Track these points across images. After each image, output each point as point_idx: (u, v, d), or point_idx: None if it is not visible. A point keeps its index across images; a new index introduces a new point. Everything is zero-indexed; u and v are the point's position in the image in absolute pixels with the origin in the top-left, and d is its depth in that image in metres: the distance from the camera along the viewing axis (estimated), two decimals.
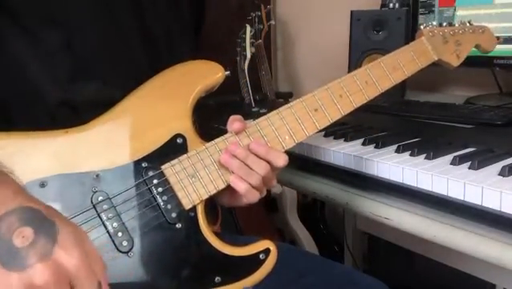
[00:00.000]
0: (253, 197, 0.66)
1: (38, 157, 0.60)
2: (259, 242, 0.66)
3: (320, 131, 0.92)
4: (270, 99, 1.51)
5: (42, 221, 0.49)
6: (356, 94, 0.72)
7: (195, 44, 0.83)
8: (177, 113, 0.67)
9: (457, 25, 0.88)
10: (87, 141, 0.63)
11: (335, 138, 0.89)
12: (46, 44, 0.65)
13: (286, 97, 1.55)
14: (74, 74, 0.67)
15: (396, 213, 0.74)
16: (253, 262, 0.64)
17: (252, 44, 1.52)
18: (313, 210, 1.76)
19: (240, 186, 0.64)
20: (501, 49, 1.11)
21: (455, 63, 0.85)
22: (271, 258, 0.65)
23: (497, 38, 1.07)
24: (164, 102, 0.67)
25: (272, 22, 1.61)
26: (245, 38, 1.52)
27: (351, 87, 0.72)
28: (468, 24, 0.89)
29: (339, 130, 0.92)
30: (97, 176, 0.61)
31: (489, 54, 1.13)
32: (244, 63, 1.51)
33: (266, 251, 0.65)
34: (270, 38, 1.77)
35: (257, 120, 0.68)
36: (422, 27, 0.84)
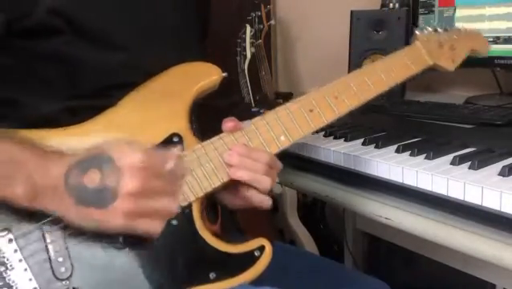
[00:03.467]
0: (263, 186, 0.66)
1: None
2: (255, 239, 0.67)
3: (320, 131, 0.93)
4: (270, 99, 1.51)
5: (95, 158, 0.55)
6: (351, 97, 0.73)
7: (204, 46, 0.84)
8: (174, 113, 0.68)
9: (452, 28, 0.88)
10: (83, 140, 0.63)
11: (335, 138, 0.89)
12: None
13: (286, 97, 1.54)
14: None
15: (396, 213, 0.74)
16: (248, 259, 0.65)
17: (252, 44, 1.52)
18: (313, 210, 1.76)
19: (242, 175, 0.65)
20: (501, 49, 1.11)
21: (450, 67, 0.85)
22: (266, 255, 0.65)
23: (498, 38, 1.07)
24: (161, 102, 0.68)
25: (272, 22, 1.61)
26: (245, 38, 1.52)
27: (345, 90, 0.73)
28: (462, 29, 0.89)
29: (339, 130, 0.92)
30: None
31: (490, 54, 1.13)
32: (244, 63, 1.52)
33: (261, 248, 0.65)
34: (270, 38, 1.77)
35: (253, 120, 0.69)
36: (417, 32, 0.84)
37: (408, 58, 0.79)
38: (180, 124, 0.67)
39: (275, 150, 0.68)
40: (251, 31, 1.52)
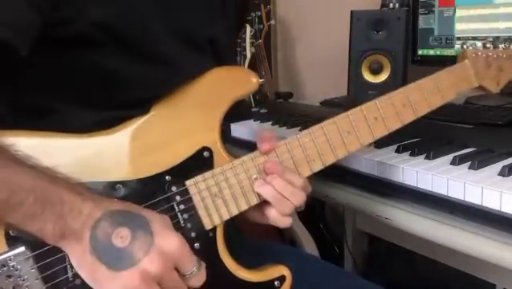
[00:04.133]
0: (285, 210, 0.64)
1: (60, 159, 0.57)
2: (275, 267, 0.66)
3: None
4: (270, 99, 1.51)
5: (133, 218, 0.53)
6: (391, 118, 0.69)
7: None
8: (206, 124, 0.64)
9: (501, 47, 0.83)
10: (109, 147, 0.60)
11: None
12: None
13: (286, 97, 1.55)
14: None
15: (396, 213, 0.74)
16: (268, 288, 0.64)
17: (252, 44, 1.52)
18: (313, 210, 1.76)
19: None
20: None
21: (494, 89, 0.82)
22: (286, 285, 0.65)
23: (497, 38, 1.06)
24: (194, 111, 0.64)
25: (272, 22, 1.61)
26: (245, 38, 1.52)
27: (387, 110, 0.69)
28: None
29: None
30: (116, 186, 0.59)
31: None
32: (244, 63, 1.52)
33: (281, 279, 0.65)
34: (270, 38, 1.77)
35: (287, 140, 0.66)
36: (465, 47, 0.81)
37: (455, 78, 0.76)
38: (211, 136, 0.64)
39: (307, 173, 0.66)
40: (251, 31, 1.52)
